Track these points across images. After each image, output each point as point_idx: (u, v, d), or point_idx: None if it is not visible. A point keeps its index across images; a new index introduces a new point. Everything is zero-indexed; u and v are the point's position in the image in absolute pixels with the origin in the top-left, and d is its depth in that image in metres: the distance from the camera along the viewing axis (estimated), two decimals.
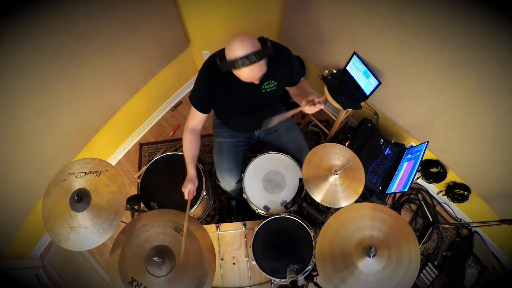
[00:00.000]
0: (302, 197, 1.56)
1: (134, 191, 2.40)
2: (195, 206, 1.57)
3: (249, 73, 1.19)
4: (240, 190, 1.68)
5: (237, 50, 1.13)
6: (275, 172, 1.64)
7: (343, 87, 1.92)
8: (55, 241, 1.15)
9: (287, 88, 1.63)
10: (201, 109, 1.44)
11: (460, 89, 1.49)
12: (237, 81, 1.27)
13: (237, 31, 1.20)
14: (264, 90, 1.44)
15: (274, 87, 1.45)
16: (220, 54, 1.22)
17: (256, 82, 1.27)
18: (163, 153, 1.73)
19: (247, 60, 1.12)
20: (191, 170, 1.47)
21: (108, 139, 2.31)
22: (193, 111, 1.46)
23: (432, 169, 2.16)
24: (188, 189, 1.43)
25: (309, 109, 1.28)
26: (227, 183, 1.70)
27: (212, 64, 1.34)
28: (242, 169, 1.70)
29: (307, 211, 1.53)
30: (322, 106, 1.28)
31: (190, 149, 1.47)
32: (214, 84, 1.38)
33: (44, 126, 1.66)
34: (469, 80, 1.42)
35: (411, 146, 1.98)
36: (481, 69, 1.34)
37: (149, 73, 2.20)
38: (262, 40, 1.20)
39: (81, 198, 1.13)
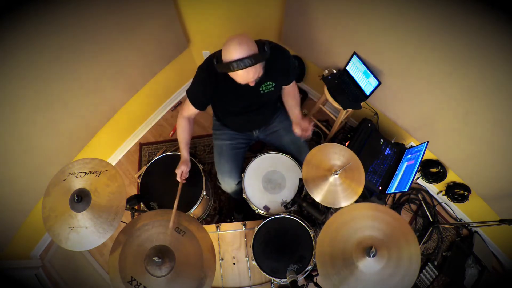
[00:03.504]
0: (302, 197, 1.56)
1: (134, 191, 2.40)
2: (195, 206, 1.57)
3: (244, 76, 1.19)
4: (240, 190, 1.69)
5: (233, 53, 1.13)
6: (275, 172, 1.64)
7: (343, 87, 1.92)
8: (55, 241, 1.15)
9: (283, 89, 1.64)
10: (196, 106, 1.48)
11: (460, 89, 1.48)
12: (235, 82, 1.27)
13: (236, 32, 1.20)
14: (262, 92, 1.44)
15: (272, 88, 1.45)
16: (217, 55, 1.22)
17: (252, 84, 1.27)
18: (163, 153, 1.73)
19: (242, 63, 1.12)
20: (184, 154, 1.55)
21: (108, 139, 2.31)
22: (188, 103, 1.49)
23: (432, 169, 2.15)
24: (181, 171, 1.50)
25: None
26: (228, 185, 1.71)
27: (209, 65, 1.34)
28: (242, 170, 1.70)
29: (307, 211, 1.53)
30: (311, 130, 1.51)
31: (184, 135, 1.55)
32: (212, 85, 1.38)
33: (44, 126, 1.66)
34: (469, 80, 1.42)
35: (411, 146, 1.98)
36: (481, 69, 1.34)
37: (149, 73, 2.20)
38: (260, 43, 1.19)
39: (81, 198, 1.14)
